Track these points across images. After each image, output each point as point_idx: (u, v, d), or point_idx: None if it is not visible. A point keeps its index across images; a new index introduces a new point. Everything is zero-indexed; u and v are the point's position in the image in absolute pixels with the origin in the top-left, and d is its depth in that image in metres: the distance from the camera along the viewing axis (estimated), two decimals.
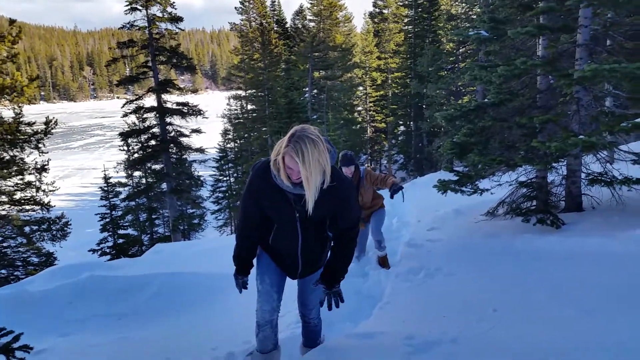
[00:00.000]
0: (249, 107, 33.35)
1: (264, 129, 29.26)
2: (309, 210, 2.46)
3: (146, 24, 18.38)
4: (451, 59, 24.43)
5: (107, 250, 16.48)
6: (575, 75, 4.98)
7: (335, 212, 2.67)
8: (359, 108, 35.19)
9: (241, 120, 32.32)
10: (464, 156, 6.03)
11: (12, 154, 14.06)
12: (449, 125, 6.82)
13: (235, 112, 33.48)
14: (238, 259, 2.93)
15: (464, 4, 24.51)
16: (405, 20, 33.25)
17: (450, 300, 3.75)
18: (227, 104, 33.83)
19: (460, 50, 24.17)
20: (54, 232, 14.90)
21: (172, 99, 19.11)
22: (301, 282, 3.03)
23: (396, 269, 4.81)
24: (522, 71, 5.44)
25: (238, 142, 31.34)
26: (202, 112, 19.16)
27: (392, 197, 4.89)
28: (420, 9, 30.07)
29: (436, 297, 3.87)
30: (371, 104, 34.58)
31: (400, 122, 33.26)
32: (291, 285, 2.91)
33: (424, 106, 27.44)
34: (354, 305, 4.37)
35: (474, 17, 21.87)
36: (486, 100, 6.28)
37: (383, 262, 5.28)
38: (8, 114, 14.13)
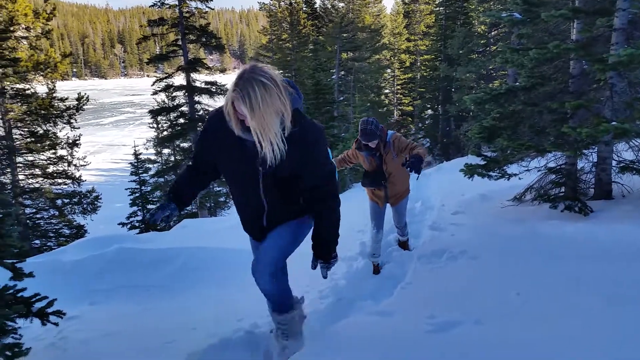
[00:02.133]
0: None
1: None
2: (269, 162, 2.16)
3: (177, 2, 18.46)
4: (482, 41, 23.93)
5: (136, 224, 16.89)
6: (610, 60, 4.84)
7: (300, 161, 2.29)
8: (386, 90, 34.88)
9: None
10: (493, 140, 5.97)
11: (45, 128, 14.47)
12: (478, 109, 6.72)
13: None
14: (174, 183, 2.65)
15: None
16: (437, 1, 32.56)
17: (474, 283, 3.74)
18: None
19: (492, 33, 23.64)
20: (85, 206, 15.36)
21: (200, 78, 19.23)
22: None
23: (419, 251, 4.82)
24: (554, 55, 5.31)
25: None
26: None
27: (408, 167, 3.96)
28: None
29: (459, 280, 3.87)
30: (398, 87, 34.22)
31: (428, 106, 32.83)
32: (305, 261, 2.87)
33: (452, 89, 27.02)
34: (376, 285, 4.43)
35: None
36: (517, 84, 6.17)
37: (404, 246, 5.23)
38: (42, 89, 14.52)
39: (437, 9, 31.89)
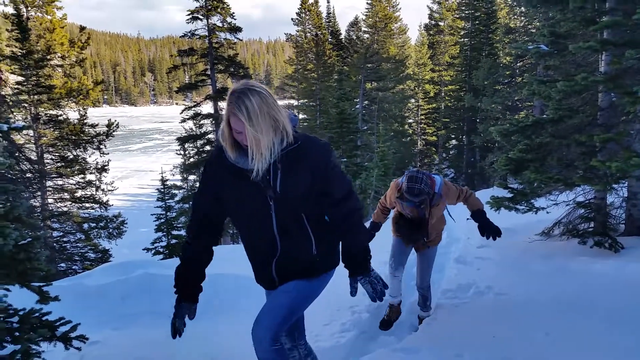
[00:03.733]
0: (301, 116, 33.73)
1: None
2: (259, 170, 1.98)
3: (206, 33, 18.97)
4: (508, 72, 23.85)
5: (161, 250, 17.02)
6: None
7: (313, 180, 2.12)
8: (410, 120, 34.90)
9: None
10: (519, 173, 5.88)
11: (75, 153, 14.85)
12: (504, 141, 6.66)
13: None
14: (178, 271, 2.39)
15: (523, 18, 23.94)
16: (462, 32, 32.76)
17: (500, 321, 3.65)
18: None
19: (518, 64, 23.56)
20: (111, 230, 15.59)
21: None
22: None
23: (444, 284, 4.73)
24: (582, 87, 5.26)
25: None
26: None
27: (482, 232, 3.74)
28: (477, 22, 29.57)
29: (485, 317, 3.78)
30: (422, 117, 34.22)
31: (452, 136, 32.67)
32: (334, 293, 2.82)
33: (477, 120, 26.88)
34: (399, 320, 4.33)
35: (533, 30, 21.29)
36: (544, 116, 6.11)
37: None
38: (74, 115, 14.96)
39: (462, 40, 32.05)
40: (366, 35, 34.82)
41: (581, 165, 5.56)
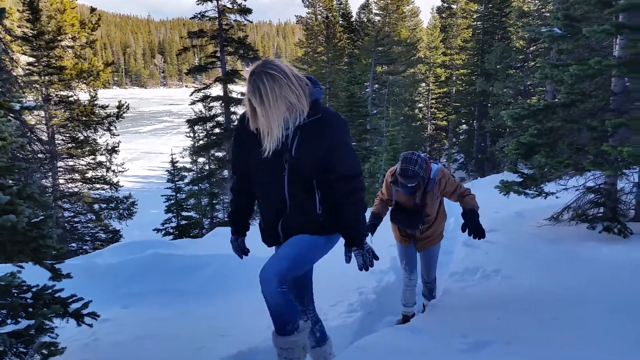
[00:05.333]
0: None
1: None
2: (269, 148, 2.19)
3: (216, 15, 18.85)
4: (521, 57, 23.58)
5: (170, 231, 17.18)
6: None
7: (327, 152, 2.29)
8: (420, 105, 34.67)
9: None
10: (530, 157, 5.85)
11: (86, 134, 14.95)
12: (515, 125, 6.61)
13: None
14: (231, 216, 2.78)
15: (536, 1, 23.56)
16: (474, 16, 32.31)
17: (507, 304, 3.66)
18: None
19: (531, 48, 23.29)
20: (121, 211, 15.75)
21: (237, 89, 19.53)
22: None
23: (451, 268, 4.75)
24: (596, 71, 5.18)
25: None
26: None
27: (466, 230, 3.54)
28: (490, 5, 29.11)
29: (492, 300, 3.79)
30: (433, 101, 33.99)
31: (463, 121, 32.45)
32: (342, 275, 2.86)
33: (488, 105, 26.67)
34: None
35: (547, 14, 20.96)
36: (556, 100, 6.05)
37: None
38: (84, 96, 15.01)
39: (475, 23, 31.63)
40: (377, 18, 34.42)
41: (592, 150, 5.51)
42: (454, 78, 34.00)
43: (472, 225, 3.49)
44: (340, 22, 35.66)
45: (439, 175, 3.59)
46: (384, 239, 4.01)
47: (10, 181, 3.52)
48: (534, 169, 6.06)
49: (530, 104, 6.13)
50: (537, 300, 3.68)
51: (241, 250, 2.80)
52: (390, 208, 3.86)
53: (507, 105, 20.81)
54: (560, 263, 4.56)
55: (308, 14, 34.94)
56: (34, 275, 3.40)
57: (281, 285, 2.34)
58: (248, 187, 2.57)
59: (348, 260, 2.52)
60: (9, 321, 3.12)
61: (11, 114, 4.26)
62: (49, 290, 3.43)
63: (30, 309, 3.24)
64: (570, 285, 3.99)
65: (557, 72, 5.75)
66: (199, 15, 18.97)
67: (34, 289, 3.36)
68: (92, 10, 16.15)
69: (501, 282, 4.17)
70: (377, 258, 2.49)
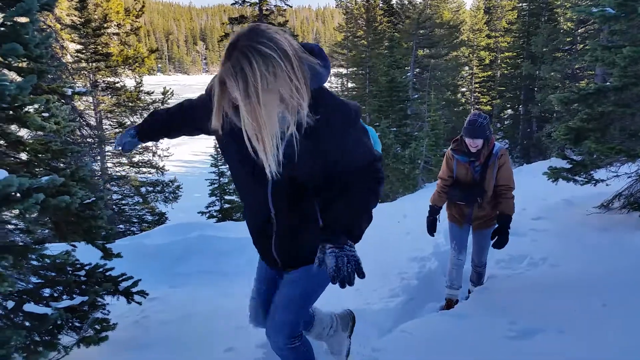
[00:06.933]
0: (349, 85, 33.37)
1: (362, 107, 29.19)
2: (270, 169, 1.53)
3: (257, 0, 18.91)
4: (568, 39, 22.66)
5: (214, 214, 17.53)
6: None
7: (329, 158, 1.68)
8: (463, 89, 33.89)
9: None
10: (579, 143, 5.65)
11: (132, 120, 15.36)
12: (564, 109, 6.37)
13: (336, 89, 33.69)
14: (145, 118, 2.35)
15: None
16: None
17: (556, 292, 3.57)
18: (328, 82, 34.04)
19: (580, 30, 22.32)
20: (167, 194, 16.18)
21: None
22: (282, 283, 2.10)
23: (496, 255, 4.65)
24: None
25: None
26: None
27: (498, 246, 3.53)
28: None
29: (540, 287, 3.71)
30: (477, 85, 33.15)
31: (508, 105, 31.54)
32: (382, 260, 2.82)
33: (535, 89, 25.82)
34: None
35: None
36: (608, 83, 5.79)
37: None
38: (130, 82, 15.41)
39: (520, 4, 30.53)
40: (419, 0, 33.73)
41: None
42: (499, 61, 33.00)
43: (503, 238, 3.52)
44: (381, 5, 35.03)
45: (501, 152, 3.58)
46: (424, 226, 3.95)
47: (61, 164, 3.65)
48: (583, 155, 5.85)
49: (580, 88, 5.89)
50: (585, 288, 3.58)
51: (126, 144, 2.33)
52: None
53: (555, 89, 20.10)
54: (610, 251, 4.41)
55: None
56: (86, 254, 3.53)
57: (291, 341, 2.02)
58: (178, 126, 2.20)
59: (317, 262, 1.57)
60: (64, 297, 3.25)
61: (63, 99, 4.41)
62: (101, 269, 3.57)
63: (84, 286, 3.37)
64: (620, 273, 3.85)
65: (609, 54, 5.50)
66: (239, 1, 19.09)
67: (86, 267, 3.50)
68: None
69: (549, 269, 4.07)
70: (362, 275, 1.54)
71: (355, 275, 1.52)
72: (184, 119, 2.12)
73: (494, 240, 3.54)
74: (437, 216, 3.89)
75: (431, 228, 3.89)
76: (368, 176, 1.72)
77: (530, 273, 4.05)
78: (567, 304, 3.24)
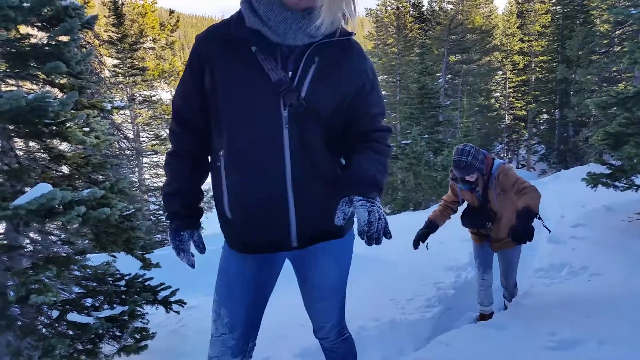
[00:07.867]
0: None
1: (392, 114, 29.05)
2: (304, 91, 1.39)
3: None
4: (605, 41, 22.05)
5: None
6: None
7: (353, 92, 1.51)
8: (497, 94, 33.33)
9: None
10: (618, 148, 5.51)
11: (168, 132, 15.71)
12: (602, 114, 6.21)
13: None
14: (167, 196, 1.72)
15: None
16: (553, 0, 30.58)
17: (597, 301, 3.46)
18: None
19: (617, 32, 21.70)
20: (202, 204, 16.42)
21: None
22: (301, 258, 1.76)
23: (536, 264, 4.55)
24: None
25: None
26: None
27: (514, 237, 3.08)
28: None
29: (580, 297, 3.60)
30: (510, 90, 32.58)
31: (543, 110, 30.83)
32: (417, 269, 2.79)
33: (571, 93, 25.20)
34: None
35: None
36: None
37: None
38: (166, 96, 15.78)
39: (554, 7, 29.93)
40: (450, 6, 33.38)
41: None
42: (533, 65, 32.36)
43: (519, 227, 3.02)
44: (411, 12, 34.93)
45: (498, 170, 3.33)
46: (458, 235, 3.91)
47: (101, 177, 3.77)
48: (622, 160, 5.69)
49: (618, 91, 5.75)
50: (628, 298, 3.47)
51: (198, 249, 1.79)
52: (450, 216, 3.67)
53: (592, 93, 19.59)
54: None
55: (378, 5, 34.55)
56: (125, 264, 3.63)
57: (342, 332, 1.92)
58: (198, 148, 1.67)
59: (341, 217, 1.34)
60: (105, 307, 3.35)
61: (102, 114, 4.56)
62: (140, 279, 3.67)
63: (124, 296, 3.47)
64: None
65: None
66: None
67: (126, 277, 3.60)
68: (171, 12, 16.91)
69: (589, 279, 3.96)
70: (389, 235, 1.31)
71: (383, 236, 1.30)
72: (191, 109, 1.63)
73: (512, 234, 3.12)
74: (430, 232, 3.57)
75: (418, 241, 3.54)
76: (384, 139, 1.58)
77: (570, 282, 3.95)
78: (609, 314, 3.15)
